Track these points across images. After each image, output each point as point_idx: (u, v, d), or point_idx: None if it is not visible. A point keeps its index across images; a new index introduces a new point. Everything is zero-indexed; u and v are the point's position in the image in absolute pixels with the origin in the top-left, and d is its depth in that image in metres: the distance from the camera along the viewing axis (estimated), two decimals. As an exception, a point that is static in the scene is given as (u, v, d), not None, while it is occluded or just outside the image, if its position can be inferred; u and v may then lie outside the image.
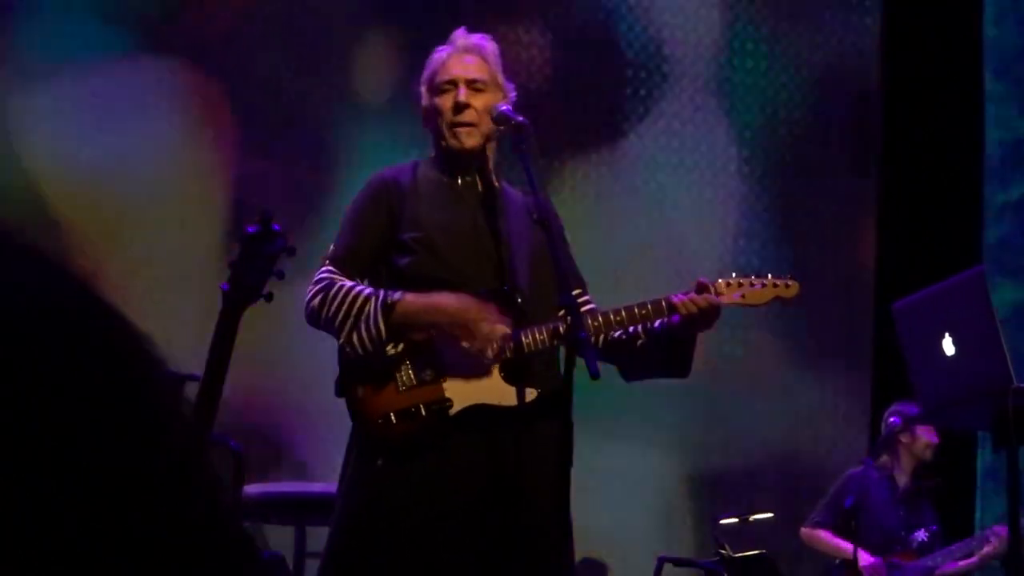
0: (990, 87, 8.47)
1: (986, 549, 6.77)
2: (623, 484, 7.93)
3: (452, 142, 4.01)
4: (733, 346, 8.12)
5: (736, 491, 8.00)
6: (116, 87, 7.31)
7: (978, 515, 8.14)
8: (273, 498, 5.74)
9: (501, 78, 4.10)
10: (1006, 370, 4.14)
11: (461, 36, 4.13)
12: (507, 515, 3.79)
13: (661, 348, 3.99)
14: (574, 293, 3.88)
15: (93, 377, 0.79)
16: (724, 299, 3.97)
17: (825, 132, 8.44)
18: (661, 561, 7.12)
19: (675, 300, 3.90)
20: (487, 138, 4.03)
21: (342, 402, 3.94)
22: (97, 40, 7.31)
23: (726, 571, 6.72)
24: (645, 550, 7.60)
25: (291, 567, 5.88)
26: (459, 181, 4.06)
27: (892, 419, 6.98)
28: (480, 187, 4.07)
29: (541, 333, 3.86)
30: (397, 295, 3.84)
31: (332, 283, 3.89)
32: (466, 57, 4.07)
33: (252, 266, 3.34)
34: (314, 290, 3.90)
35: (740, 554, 6.82)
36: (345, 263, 3.95)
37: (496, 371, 3.88)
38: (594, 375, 3.52)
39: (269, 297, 3.39)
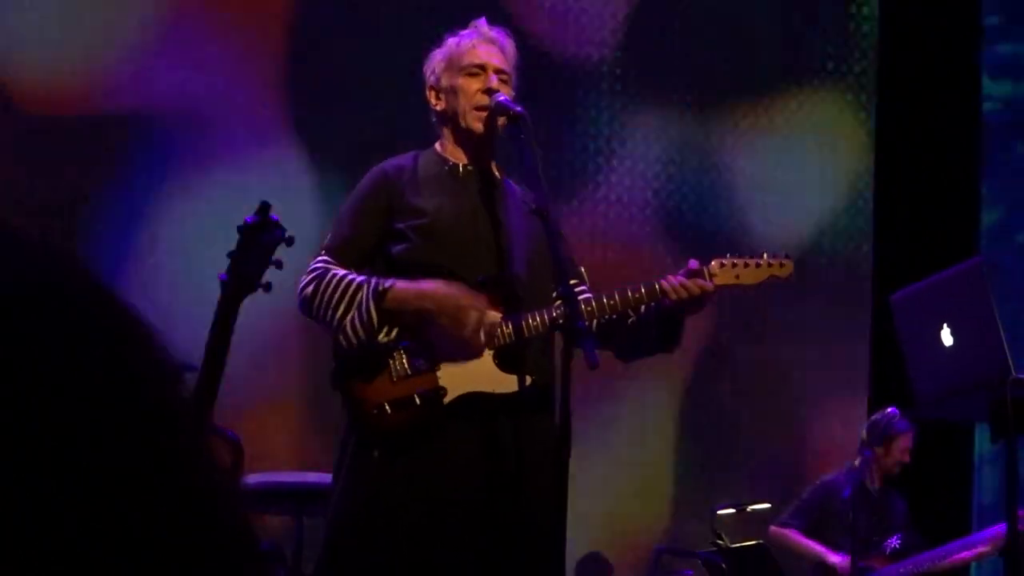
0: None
1: (981, 549, 6.77)
2: (621, 474, 7.94)
3: (474, 125, 4.03)
4: (732, 337, 8.12)
5: (733, 481, 8.00)
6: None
7: (975, 509, 8.15)
8: (271, 488, 5.74)
9: (515, 74, 4.13)
10: (1005, 361, 4.14)
11: (484, 25, 4.14)
12: (503, 504, 3.80)
13: (652, 326, 4.02)
14: (573, 283, 3.90)
15: (93, 376, 0.79)
16: (718, 280, 3.97)
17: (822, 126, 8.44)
18: (658, 552, 7.13)
19: (666, 284, 3.91)
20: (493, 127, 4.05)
21: (334, 388, 3.95)
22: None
23: (723, 561, 6.72)
24: (643, 541, 7.62)
25: (289, 557, 5.88)
26: (460, 169, 4.07)
27: (889, 410, 6.98)
28: (481, 176, 4.08)
29: (539, 319, 3.87)
30: (388, 282, 3.85)
31: (326, 272, 3.91)
32: (492, 46, 4.09)
33: (250, 256, 3.34)
34: (308, 279, 3.92)
35: (737, 544, 6.83)
36: (341, 253, 3.97)
37: (490, 358, 3.89)
38: (593, 365, 3.53)
39: (267, 287, 3.40)
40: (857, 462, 6.95)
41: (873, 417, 7.04)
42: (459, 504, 3.80)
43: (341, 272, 3.90)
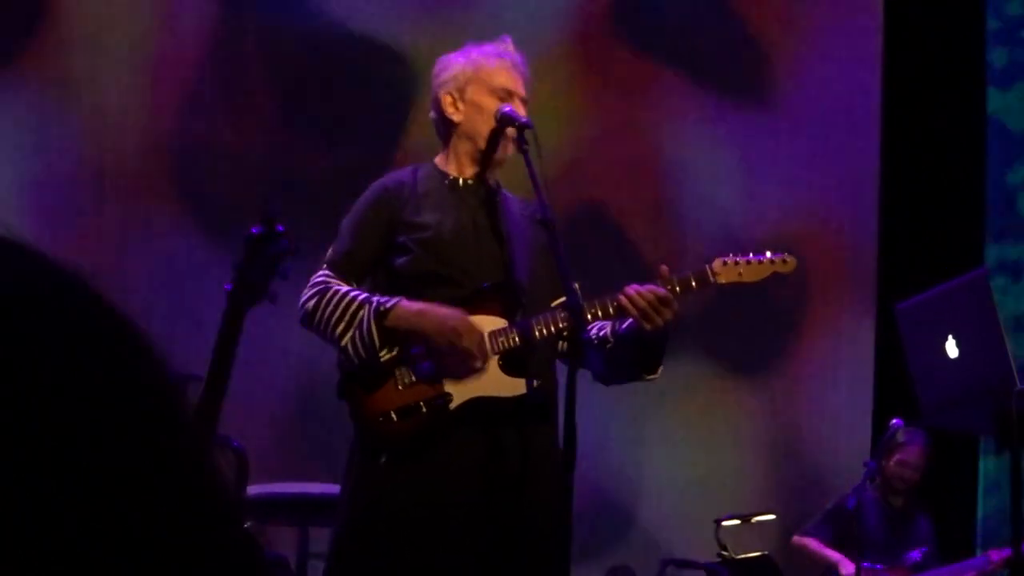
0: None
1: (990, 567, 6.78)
2: (626, 484, 7.93)
3: (501, 151, 4.03)
4: (734, 346, 8.12)
5: (738, 492, 7.99)
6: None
7: (979, 524, 8.14)
8: (276, 499, 5.74)
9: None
10: (1010, 372, 4.14)
11: (512, 47, 4.13)
12: (508, 509, 3.80)
13: (630, 349, 3.95)
14: (559, 301, 3.91)
15: (93, 377, 0.79)
16: (722, 278, 3.95)
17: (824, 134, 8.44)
18: (664, 563, 7.12)
19: (622, 299, 3.84)
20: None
21: (341, 397, 3.96)
22: None
23: (728, 573, 6.71)
24: (651, 551, 7.61)
25: (294, 568, 5.88)
26: (461, 183, 4.07)
27: (894, 421, 6.96)
28: (481, 189, 4.08)
29: (547, 326, 3.86)
30: (391, 302, 3.85)
31: (327, 287, 3.91)
32: (519, 71, 4.09)
33: (256, 267, 3.34)
34: (310, 293, 3.92)
35: (742, 556, 6.82)
36: (342, 268, 3.97)
37: (495, 363, 3.89)
38: (598, 375, 3.55)
39: (273, 298, 3.40)
40: (878, 479, 6.95)
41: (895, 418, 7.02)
42: (464, 509, 3.80)
43: (343, 288, 3.91)
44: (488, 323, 3.90)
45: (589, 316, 3.87)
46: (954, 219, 8.37)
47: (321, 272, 3.97)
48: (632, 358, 3.98)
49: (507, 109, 3.99)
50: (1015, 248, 8.29)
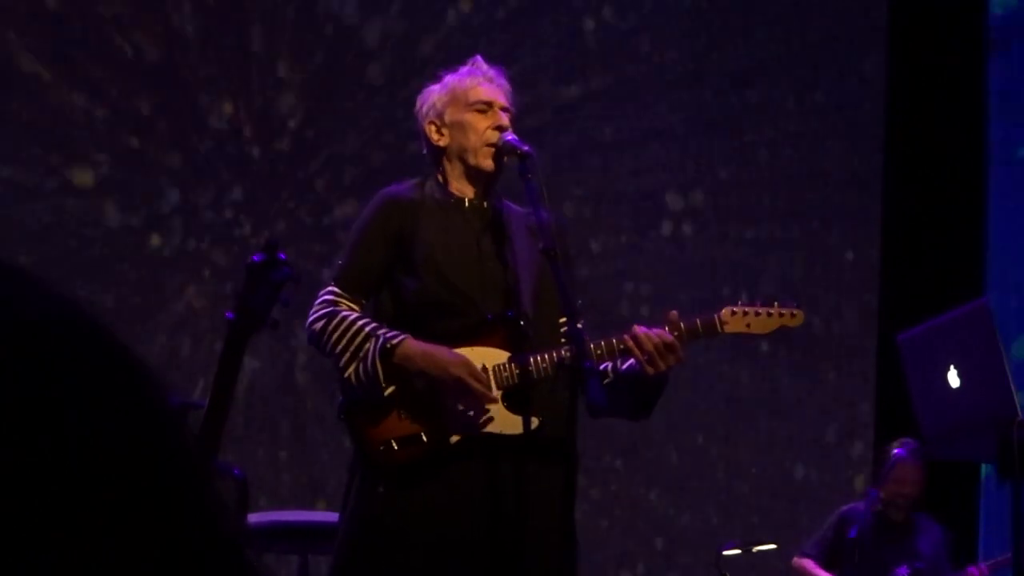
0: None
1: None
2: (627, 514, 7.93)
3: (484, 162, 4.02)
4: (736, 374, 8.12)
5: (739, 521, 7.98)
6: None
7: (981, 547, 8.13)
8: (277, 526, 5.73)
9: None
10: (1011, 402, 4.14)
11: (483, 63, 4.15)
12: (507, 543, 3.79)
13: (625, 388, 3.95)
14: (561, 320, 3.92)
15: (93, 406, 0.79)
16: (729, 328, 3.98)
17: (827, 154, 8.45)
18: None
19: (628, 339, 3.85)
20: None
21: (347, 430, 3.96)
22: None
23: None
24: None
25: (294, 595, 5.86)
26: (466, 203, 4.07)
27: (896, 450, 6.96)
28: (485, 210, 4.08)
29: (545, 360, 3.86)
30: (397, 340, 3.84)
31: (336, 311, 3.90)
32: (496, 83, 4.10)
33: (257, 294, 3.34)
34: (318, 313, 3.92)
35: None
36: (350, 284, 3.97)
37: (499, 399, 3.88)
38: (597, 405, 3.55)
39: (275, 325, 3.40)
40: (864, 502, 6.94)
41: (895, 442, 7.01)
42: (463, 539, 3.79)
43: (351, 316, 3.89)
44: (491, 356, 3.90)
45: (595, 354, 3.87)
46: (956, 250, 8.38)
47: (329, 289, 3.96)
48: (629, 397, 3.98)
49: (509, 137, 4.00)
50: None
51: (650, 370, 3.85)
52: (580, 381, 3.80)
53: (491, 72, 4.13)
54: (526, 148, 3.96)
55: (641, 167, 8.15)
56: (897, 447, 6.82)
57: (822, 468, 8.26)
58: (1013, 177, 8.58)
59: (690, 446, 8.08)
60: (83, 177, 7.19)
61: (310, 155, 7.54)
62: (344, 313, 3.90)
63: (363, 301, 3.97)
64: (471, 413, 3.86)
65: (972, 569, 6.81)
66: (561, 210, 7.60)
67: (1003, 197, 8.57)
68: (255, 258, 3.37)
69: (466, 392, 3.83)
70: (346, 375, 3.86)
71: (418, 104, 4.16)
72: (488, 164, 4.02)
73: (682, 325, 3.91)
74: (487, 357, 3.89)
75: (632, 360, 3.89)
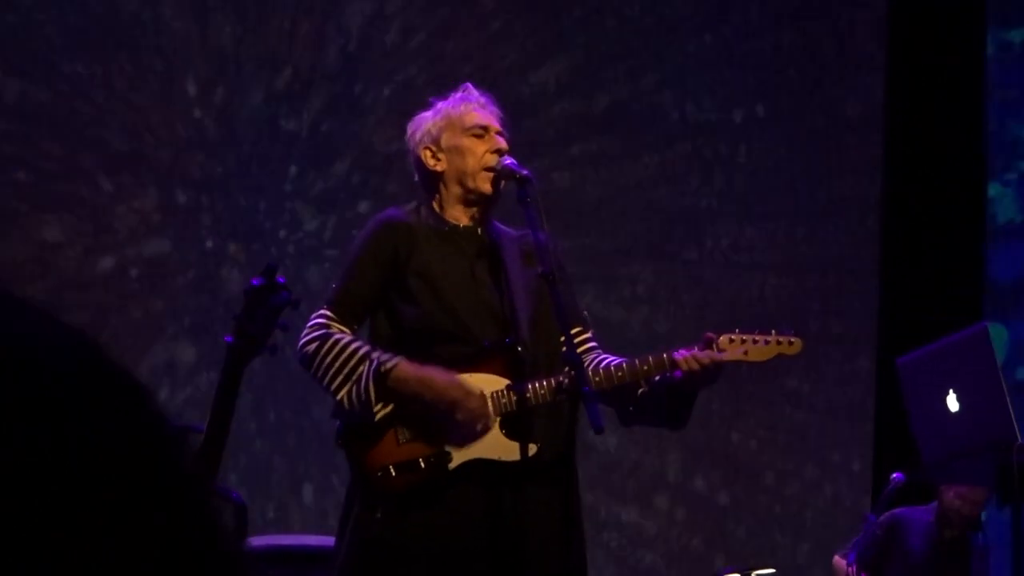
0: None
1: None
2: (627, 536, 7.91)
3: (483, 186, 4.03)
4: (732, 394, 8.11)
5: (737, 544, 7.97)
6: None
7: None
8: (276, 551, 5.72)
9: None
10: (1011, 426, 4.14)
11: (475, 89, 4.17)
12: (507, 568, 3.79)
13: (661, 400, 3.98)
14: (575, 331, 3.91)
15: (92, 407, 0.80)
16: (727, 355, 3.96)
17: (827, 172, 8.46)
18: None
19: (677, 356, 3.90)
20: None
21: (344, 456, 3.96)
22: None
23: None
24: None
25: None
26: (461, 229, 4.07)
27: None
28: (480, 236, 4.08)
29: (543, 387, 3.86)
30: (391, 363, 3.84)
31: (328, 334, 3.90)
32: (488, 109, 4.12)
33: (256, 319, 3.34)
34: (310, 336, 3.91)
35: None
36: (343, 308, 3.96)
37: (496, 426, 3.88)
38: (598, 430, 3.55)
39: (273, 350, 3.40)
40: (864, 528, 6.90)
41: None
42: (461, 564, 3.80)
43: (344, 339, 3.89)
44: (489, 383, 3.90)
45: (642, 369, 3.91)
46: (955, 270, 8.38)
47: (321, 312, 3.95)
48: (664, 408, 4.00)
49: (508, 162, 4.00)
50: None
51: (691, 385, 3.93)
52: (578, 406, 3.82)
53: (483, 98, 4.15)
54: (525, 172, 3.97)
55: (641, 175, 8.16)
56: (921, 476, 6.73)
57: (822, 492, 8.25)
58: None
59: (686, 471, 8.07)
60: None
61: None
62: (337, 336, 3.89)
63: (355, 326, 3.96)
64: (468, 438, 3.86)
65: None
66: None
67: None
68: (254, 282, 3.37)
69: (462, 415, 3.83)
70: (339, 397, 3.86)
71: (409, 131, 4.16)
72: (487, 188, 4.02)
73: (717, 343, 3.95)
74: (486, 384, 3.89)
75: (661, 374, 3.94)
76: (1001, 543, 7.11)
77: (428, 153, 4.09)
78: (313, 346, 3.89)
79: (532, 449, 3.85)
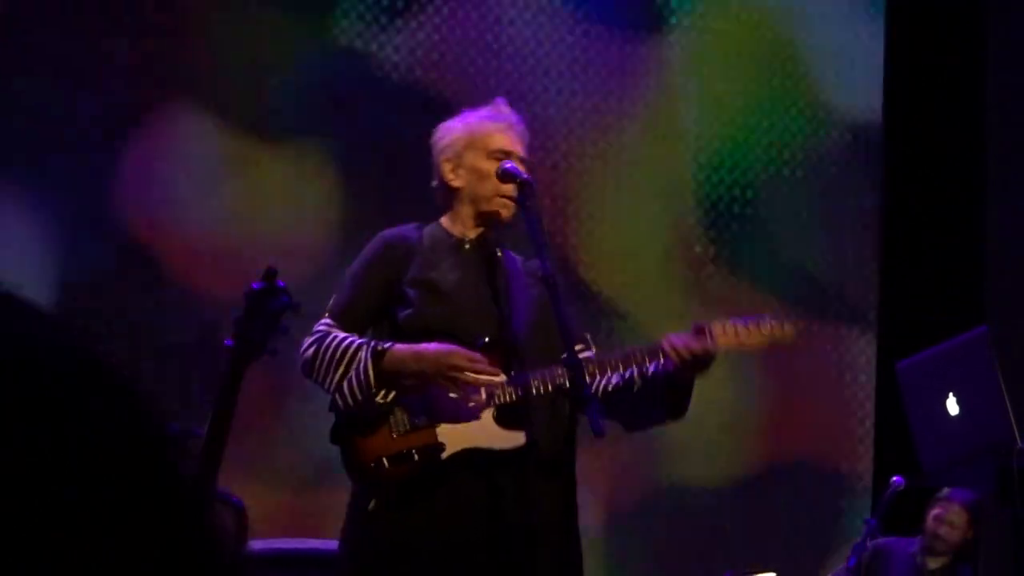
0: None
1: None
2: (622, 541, 7.91)
3: (503, 212, 4.04)
4: (730, 396, 8.10)
5: (738, 549, 7.97)
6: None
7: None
8: (276, 554, 5.73)
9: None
10: (1010, 430, 4.15)
11: (505, 107, 4.16)
12: (501, 557, 3.81)
13: (659, 392, 3.99)
14: (578, 348, 3.92)
15: (92, 408, 0.80)
16: (721, 343, 3.97)
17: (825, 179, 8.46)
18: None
19: (667, 346, 3.90)
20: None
21: (339, 453, 3.98)
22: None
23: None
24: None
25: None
26: (467, 243, 4.09)
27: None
28: (485, 249, 4.09)
29: (543, 382, 3.88)
30: (387, 343, 3.88)
31: (327, 334, 3.93)
32: (515, 131, 4.11)
33: (257, 322, 3.35)
34: (309, 341, 3.95)
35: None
36: (344, 317, 3.99)
37: (489, 415, 3.90)
38: (598, 433, 3.56)
39: (273, 353, 3.41)
40: (863, 532, 6.86)
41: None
42: (457, 556, 3.82)
43: (341, 335, 3.92)
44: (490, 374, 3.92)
45: (635, 359, 3.92)
46: (955, 277, 8.38)
47: (323, 321, 3.99)
48: (663, 399, 4.01)
49: (508, 165, 4.01)
50: None
51: (685, 374, 3.93)
52: (579, 409, 3.83)
53: (512, 118, 4.14)
54: (526, 176, 3.99)
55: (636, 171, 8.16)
56: (952, 488, 6.57)
57: (821, 494, 8.25)
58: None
59: (684, 472, 8.07)
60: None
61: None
62: (334, 334, 3.93)
63: (355, 334, 3.97)
64: (468, 413, 3.87)
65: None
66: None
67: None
68: (254, 286, 3.38)
69: (463, 377, 3.84)
70: (339, 389, 3.87)
71: (435, 137, 4.17)
72: (506, 214, 4.05)
73: (710, 331, 3.94)
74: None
75: (655, 364, 3.93)
76: None
77: (449, 166, 4.08)
78: (312, 349, 3.92)
79: (524, 438, 3.86)
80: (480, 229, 4.09)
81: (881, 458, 8.05)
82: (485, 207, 4.05)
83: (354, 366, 3.86)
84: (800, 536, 8.13)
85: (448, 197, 4.12)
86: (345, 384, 3.86)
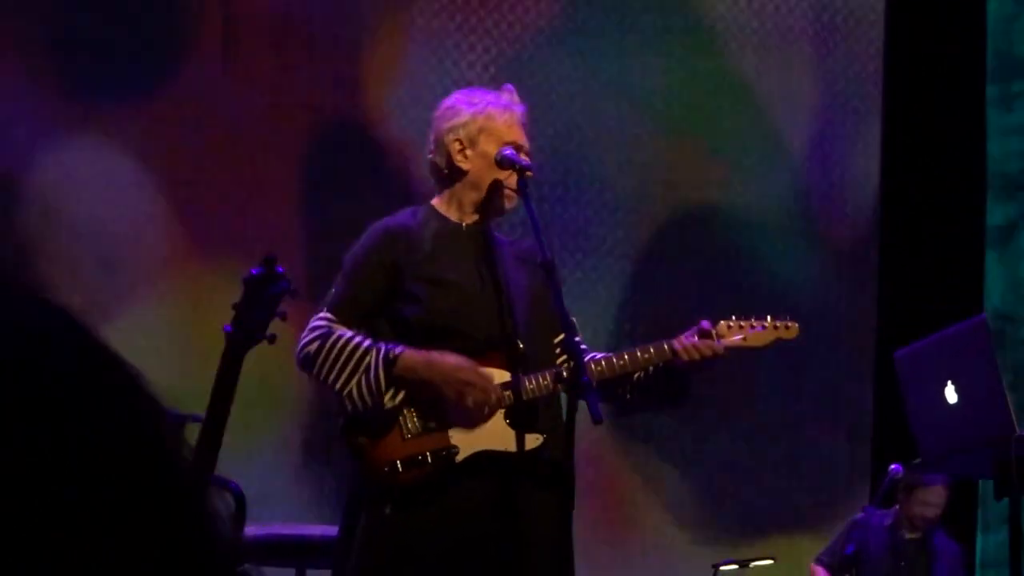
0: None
1: None
2: (623, 532, 7.92)
3: (506, 203, 4.04)
4: (731, 389, 8.10)
5: (737, 537, 7.97)
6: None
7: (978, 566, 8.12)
8: (274, 540, 5.72)
9: None
10: (1009, 418, 4.14)
11: (516, 97, 4.12)
12: (517, 559, 3.81)
13: (659, 383, 4.02)
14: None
15: (91, 408, 0.80)
16: (725, 341, 4.01)
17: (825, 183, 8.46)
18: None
19: (676, 346, 3.93)
20: None
21: (344, 444, 3.95)
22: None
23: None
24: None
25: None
26: (463, 228, 4.06)
27: (893, 467, 6.94)
28: (481, 234, 4.07)
29: (544, 379, 3.88)
30: (398, 349, 3.84)
31: (330, 331, 3.88)
32: (523, 124, 4.09)
33: (255, 308, 3.35)
34: (311, 336, 3.89)
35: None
36: (342, 311, 3.94)
37: (500, 417, 3.89)
38: (597, 420, 3.57)
39: (272, 339, 3.40)
40: (896, 508, 6.92)
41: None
42: (473, 559, 3.80)
43: (347, 334, 3.87)
44: (494, 376, 3.91)
45: (642, 359, 3.94)
46: (954, 264, 8.38)
47: (321, 315, 3.93)
48: (662, 390, 4.03)
49: (507, 152, 3.99)
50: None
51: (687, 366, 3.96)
52: (578, 397, 3.82)
53: (521, 109, 4.10)
54: (525, 162, 3.98)
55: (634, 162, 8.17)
56: (917, 473, 6.72)
57: (821, 482, 8.25)
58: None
59: (686, 462, 8.07)
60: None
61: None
62: (339, 332, 3.87)
63: (355, 329, 3.93)
64: (477, 420, 3.86)
65: None
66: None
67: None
68: (253, 272, 3.38)
69: (474, 395, 3.82)
70: (348, 391, 3.83)
71: (441, 111, 4.10)
72: (509, 205, 4.05)
73: (715, 331, 3.98)
74: (492, 377, 3.91)
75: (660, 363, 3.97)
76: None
77: (458, 146, 4.02)
78: (315, 345, 3.87)
79: (538, 439, 3.86)
80: (477, 216, 4.07)
81: (880, 447, 8.05)
82: (490, 195, 4.02)
83: (363, 369, 3.81)
84: (798, 524, 8.13)
85: (450, 177, 4.07)
86: (354, 388, 3.82)
